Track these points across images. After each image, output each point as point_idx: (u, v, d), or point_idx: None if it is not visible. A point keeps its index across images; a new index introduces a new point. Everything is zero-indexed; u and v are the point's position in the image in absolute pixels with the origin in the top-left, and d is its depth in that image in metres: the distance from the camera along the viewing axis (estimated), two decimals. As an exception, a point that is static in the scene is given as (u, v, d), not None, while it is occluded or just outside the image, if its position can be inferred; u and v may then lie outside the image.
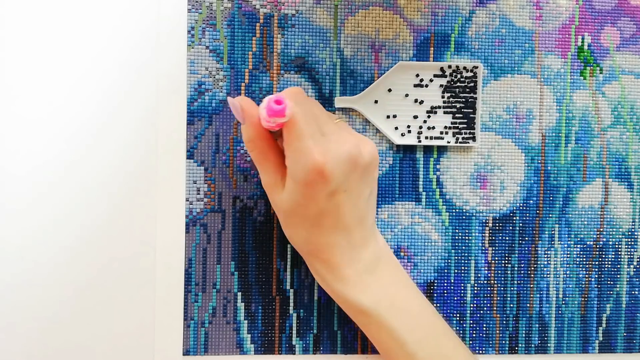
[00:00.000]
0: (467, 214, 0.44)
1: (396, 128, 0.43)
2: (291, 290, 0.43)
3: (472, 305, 0.44)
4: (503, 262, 0.44)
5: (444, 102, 0.43)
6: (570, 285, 0.44)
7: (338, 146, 0.35)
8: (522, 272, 0.44)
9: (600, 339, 0.44)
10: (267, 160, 0.37)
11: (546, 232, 0.44)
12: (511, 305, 0.44)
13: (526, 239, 0.44)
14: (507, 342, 0.44)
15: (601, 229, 0.44)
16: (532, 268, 0.44)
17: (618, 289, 0.45)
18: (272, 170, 0.37)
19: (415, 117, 0.43)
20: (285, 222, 0.37)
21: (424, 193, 0.43)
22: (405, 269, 0.43)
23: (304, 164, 0.34)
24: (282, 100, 0.33)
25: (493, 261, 0.44)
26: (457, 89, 0.43)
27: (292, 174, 0.35)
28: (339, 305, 0.39)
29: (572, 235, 0.44)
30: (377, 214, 0.43)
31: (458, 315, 0.44)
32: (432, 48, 0.43)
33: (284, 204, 0.36)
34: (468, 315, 0.44)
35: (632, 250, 0.45)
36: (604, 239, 0.44)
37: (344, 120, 0.42)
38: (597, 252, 0.44)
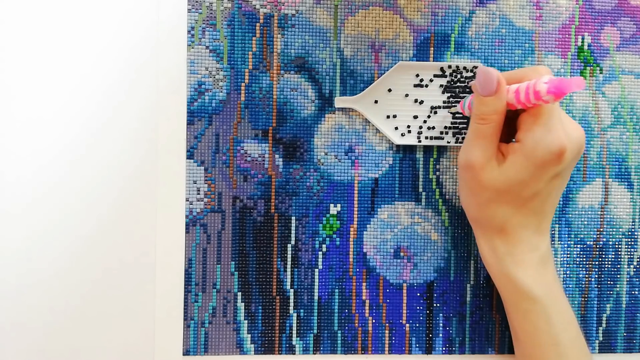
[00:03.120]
0: (467, 214, 0.44)
1: (396, 128, 0.43)
2: (291, 290, 0.43)
3: (472, 305, 0.44)
4: (503, 262, 0.44)
5: (444, 102, 0.43)
6: (570, 285, 0.44)
7: (574, 131, 0.37)
8: (522, 272, 0.44)
9: (600, 339, 0.44)
10: (494, 135, 0.37)
11: (546, 232, 0.44)
12: (511, 305, 0.44)
13: (526, 239, 0.44)
14: (507, 342, 0.44)
15: (601, 229, 0.44)
16: (532, 268, 0.44)
17: (618, 289, 0.45)
18: (494, 146, 0.37)
19: (415, 117, 0.43)
20: (491, 199, 0.37)
21: (424, 193, 0.43)
22: (405, 269, 0.43)
23: (549, 143, 0.35)
24: (582, 84, 0.32)
25: (493, 261, 0.44)
26: (457, 89, 0.43)
27: (531, 151, 0.36)
28: (498, 285, 0.39)
29: (572, 235, 0.44)
30: (377, 213, 0.43)
31: (458, 315, 0.44)
32: (432, 48, 0.43)
33: (500, 181, 0.37)
34: (468, 315, 0.44)
35: (632, 250, 0.45)
36: (604, 239, 0.44)
37: None
38: (597, 252, 0.44)
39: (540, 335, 0.38)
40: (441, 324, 0.43)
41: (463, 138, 0.43)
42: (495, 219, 0.38)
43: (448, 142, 0.43)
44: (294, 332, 0.43)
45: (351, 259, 0.43)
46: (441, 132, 0.43)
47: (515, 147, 0.37)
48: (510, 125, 0.39)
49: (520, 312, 0.38)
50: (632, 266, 0.45)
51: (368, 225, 0.43)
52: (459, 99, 0.43)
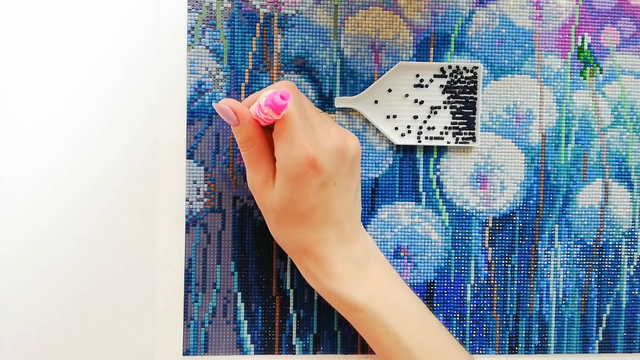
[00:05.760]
0: (467, 214, 0.44)
1: (396, 128, 0.43)
2: (291, 290, 0.43)
3: (472, 305, 0.44)
4: (503, 262, 0.44)
5: (444, 102, 0.43)
6: (570, 285, 0.44)
7: (327, 139, 0.36)
8: (522, 272, 0.44)
9: (600, 339, 0.44)
10: (262, 157, 0.37)
11: (546, 232, 0.44)
12: (511, 305, 0.44)
13: (526, 239, 0.44)
14: (507, 342, 0.44)
15: (601, 229, 0.44)
16: (532, 268, 0.44)
17: (618, 289, 0.45)
18: (265, 168, 0.37)
19: (415, 117, 0.43)
20: (277, 221, 0.37)
21: (424, 193, 0.43)
22: (405, 269, 0.43)
23: (295, 155, 0.34)
24: (289, 95, 0.33)
25: (493, 261, 0.44)
26: (457, 89, 0.43)
27: (283, 167, 0.35)
28: (329, 303, 0.39)
29: (572, 235, 0.44)
30: (377, 213, 0.43)
31: (458, 315, 0.44)
32: (432, 48, 0.43)
33: (275, 203, 0.36)
34: (468, 315, 0.44)
35: (632, 250, 0.45)
36: (604, 239, 0.44)
37: (327, 114, 0.42)
38: (597, 252, 0.44)
39: (381, 338, 0.37)
40: (441, 324, 0.43)
41: (463, 138, 0.43)
42: (291, 240, 0.37)
43: (448, 142, 0.43)
44: (294, 332, 0.43)
45: (351, 259, 0.43)
46: (441, 132, 0.43)
47: (276, 166, 0.36)
48: None
49: (356, 323, 0.38)
50: (632, 266, 0.45)
51: (368, 225, 0.43)
52: (459, 99, 0.43)
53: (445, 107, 0.43)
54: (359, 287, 0.37)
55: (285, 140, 0.35)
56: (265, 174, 0.37)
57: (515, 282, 0.44)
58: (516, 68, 0.44)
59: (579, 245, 0.44)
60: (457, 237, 0.44)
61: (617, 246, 0.45)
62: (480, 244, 0.44)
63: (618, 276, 0.45)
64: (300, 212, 0.36)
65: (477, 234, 0.44)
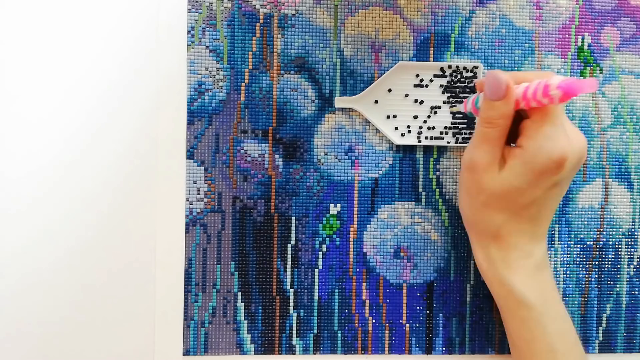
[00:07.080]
0: (467, 214, 0.44)
1: (396, 128, 0.43)
2: (291, 290, 0.43)
3: (472, 305, 0.44)
4: (503, 262, 0.44)
5: (444, 102, 0.43)
6: (570, 285, 0.44)
7: (577, 139, 0.36)
8: (522, 272, 0.44)
9: (600, 339, 0.44)
10: (500, 138, 0.36)
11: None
12: (511, 305, 0.44)
13: (526, 239, 0.44)
14: (507, 342, 0.44)
15: (601, 229, 0.44)
16: (532, 268, 0.44)
17: (618, 289, 0.45)
18: (498, 150, 0.37)
19: (415, 117, 0.43)
20: (486, 203, 0.37)
21: (424, 193, 0.43)
22: (405, 269, 0.43)
23: (551, 150, 0.35)
24: (595, 87, 0.32)
25: (493, 261, 0.44)
26: (457, 89, 0.43)
27: (532, 157, 0.35)
28: (494, 293, 0.39)
29: (572, 235, 0.44)
30: (377, 213, 0.43)
31: (458, 315, 0.44)
32: (432, 48, 0.43)
33: (498, 186, 0.36)
34: (468, 315, 0.44)
35: (632, 250, 0.45)
36: (604, 239, 0.44)
37: None
38: (597, 252, 0.44)
39: (537, 343, 0.37)
40: (441, 324, 0.43)
41: (463, 138, 0.43)
42: (490, 224, 0.38)
43: (448, 142, 0.43)
44: (294, 332, 0.43)
45: (351, 259, 0.43)
46: (441, 132, 0.43)
47: (516, 152, 0.36)
48: (512, 127, 0.38)
49: (516, 319, 0.38)
50: (632, 266, 0.45)
51: (368, 225, 0.43)
52: (459, 99, 0.43)
53: (445, 107, 0.43)
54: (534, 287, 0.37)
55: (545, 133, 0.35)
56: (494, 155, 0.36)
57: (515, 282, 0.44)
58: (516, 68, 0.44)
59: (579, 245, 0.44)
60: (457, 237, 0.44)
61: (617, 246, 0.45)
62: (480, 244, 0.44)
63: (618, 276, 0.45)
64: (520, 202, 0.36)
65: (477, 234, 0.44)
